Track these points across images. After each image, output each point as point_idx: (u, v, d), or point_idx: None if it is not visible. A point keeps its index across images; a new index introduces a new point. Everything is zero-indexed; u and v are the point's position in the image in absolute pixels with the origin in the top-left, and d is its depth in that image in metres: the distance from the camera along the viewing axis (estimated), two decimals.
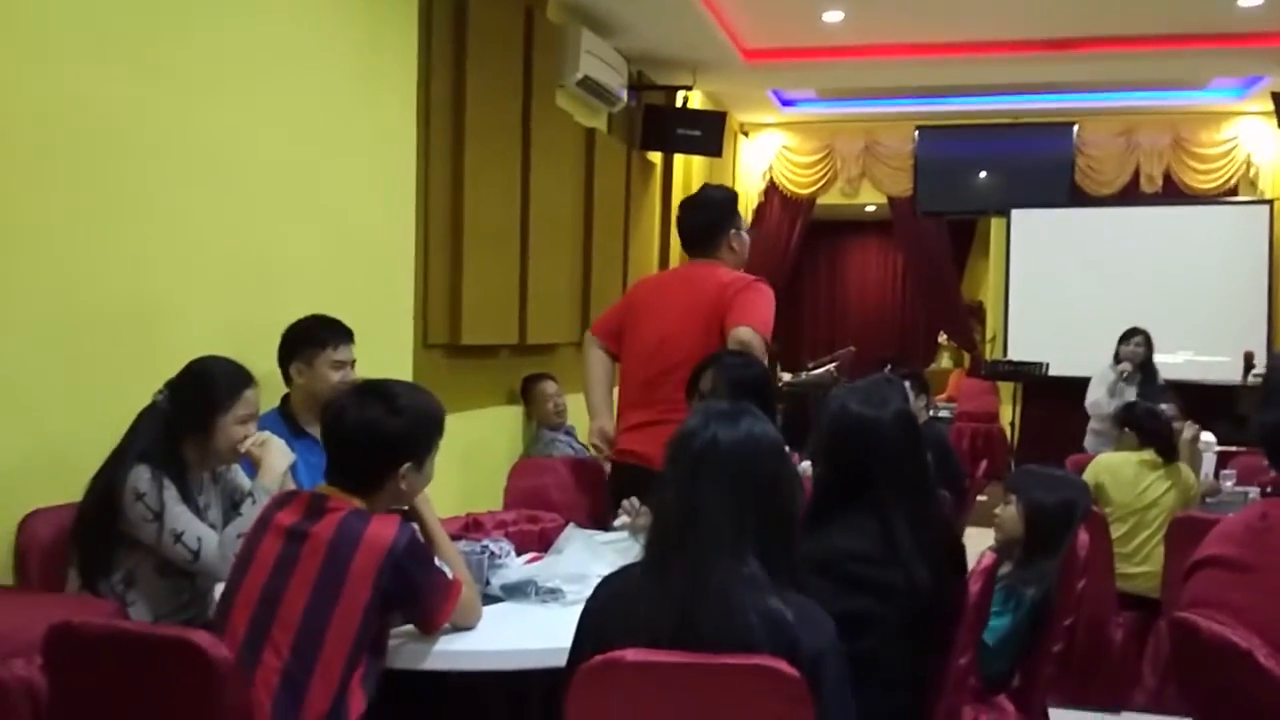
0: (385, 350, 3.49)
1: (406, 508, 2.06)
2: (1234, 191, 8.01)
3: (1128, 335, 5.59)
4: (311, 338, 2.75)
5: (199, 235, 2.75)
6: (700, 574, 1.57)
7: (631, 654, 1.53)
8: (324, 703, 1.75)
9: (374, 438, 1.93)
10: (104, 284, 2.47)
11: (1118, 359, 5.58)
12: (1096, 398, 5.57)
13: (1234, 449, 4.72)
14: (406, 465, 1.95)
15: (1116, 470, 3.95)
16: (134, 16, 2.54)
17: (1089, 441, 5.55)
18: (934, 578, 1.92)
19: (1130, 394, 5.35)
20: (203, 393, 2.25)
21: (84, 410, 2.39)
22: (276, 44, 3.02)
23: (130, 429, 2.22)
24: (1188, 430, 4.33)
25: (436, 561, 1.99)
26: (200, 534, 2.15)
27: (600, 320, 3.52)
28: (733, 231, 3.27)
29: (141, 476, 2.13)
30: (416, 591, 1.88)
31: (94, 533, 2.14)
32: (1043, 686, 2.41)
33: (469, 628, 2.03)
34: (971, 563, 2.05)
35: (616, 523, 2.69)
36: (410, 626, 1.95)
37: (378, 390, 2.00)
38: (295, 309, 2.83)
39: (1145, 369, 5.52)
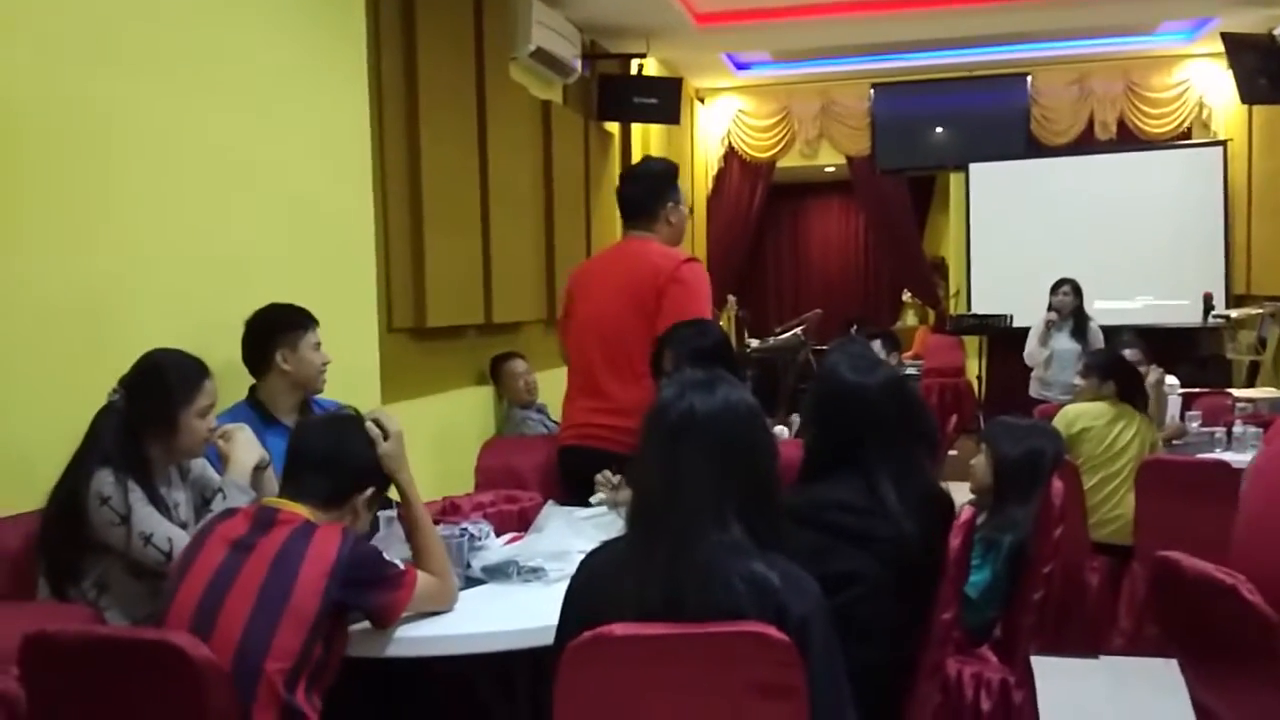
0: (350, 336, 3.43)
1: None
2: (1187, 135, 8.05)
3: (1056, 285, 5.74)
4: (293, 322, 2.69)
5: (149, 224, 2.67)
6: (686, 544, 1.55)
7: (620, 628, 1.52)
8: (271, 714, 1.71)
9: None
10: (50, 277, 2.38)
11: (1050, 309, 5.71)
12: (1030, 348, 5.75)
13: (1197, 390, 4.78)
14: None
15: (1085, 420, 3.98)
16: (74, 2, 2.45)
17: (1033, 389, 5.74)
18: (921, 531, 1.95)
19: (1061, 341, 5.55)
20: (160, 389, 2.17)
21: (35, 412, 2.31)
22: (220, 26, 2.94)
23: (89, 432, 2.14)
24: (1152, 374, 4.38)
25: (387, 555, 1.96)
26: (170, 534, 2.10)
27: (559, 325, 3.44)
28: (670, 204, 3.17)
29: (105, 480, 2.07)
30: (367, 594, 1.86)
31: (60, 540, 2.08)
32: (1025, 635, 2.43)
33: (445, 611, 2.02)
34: None
35: (594, 499, 2.68)
36: None
37: None
38: (253, 298, 2.76)
39: (1077, 317, 5.63)
